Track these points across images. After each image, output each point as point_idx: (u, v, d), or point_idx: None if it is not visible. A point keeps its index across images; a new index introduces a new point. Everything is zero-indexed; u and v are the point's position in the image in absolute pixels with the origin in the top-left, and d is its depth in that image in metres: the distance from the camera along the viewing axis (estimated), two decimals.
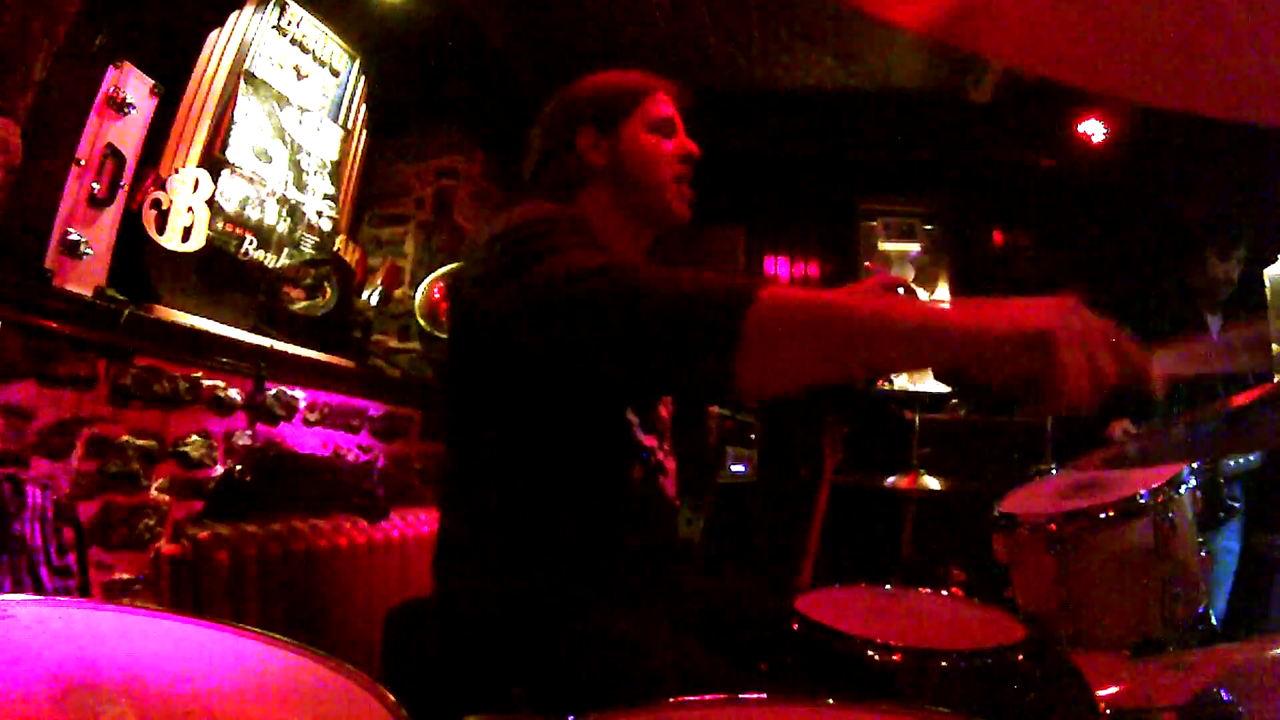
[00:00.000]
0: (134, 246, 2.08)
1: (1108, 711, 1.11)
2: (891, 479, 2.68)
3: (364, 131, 3.01)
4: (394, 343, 3.31)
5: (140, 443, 2.03)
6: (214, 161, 2.33)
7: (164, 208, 2.16)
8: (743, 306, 0.74)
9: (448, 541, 1.18)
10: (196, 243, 2.25)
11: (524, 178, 1.28)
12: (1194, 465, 1.42)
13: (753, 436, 3.79)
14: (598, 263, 0.87)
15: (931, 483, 2.60)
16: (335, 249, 2.84)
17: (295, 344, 2.55)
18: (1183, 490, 1.39)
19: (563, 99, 1.26)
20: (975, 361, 0.68)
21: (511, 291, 0.95)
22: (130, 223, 2.06)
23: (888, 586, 1.39)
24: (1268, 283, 2.44)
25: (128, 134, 2.01)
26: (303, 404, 2.61)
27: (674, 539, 1.26)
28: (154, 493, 2.07)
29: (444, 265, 3.18)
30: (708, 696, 0.65)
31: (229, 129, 2.39)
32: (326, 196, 2.82)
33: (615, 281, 0.83)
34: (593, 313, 0.84)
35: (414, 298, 3.11)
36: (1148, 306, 2.70)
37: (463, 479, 1.18)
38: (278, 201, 2.59)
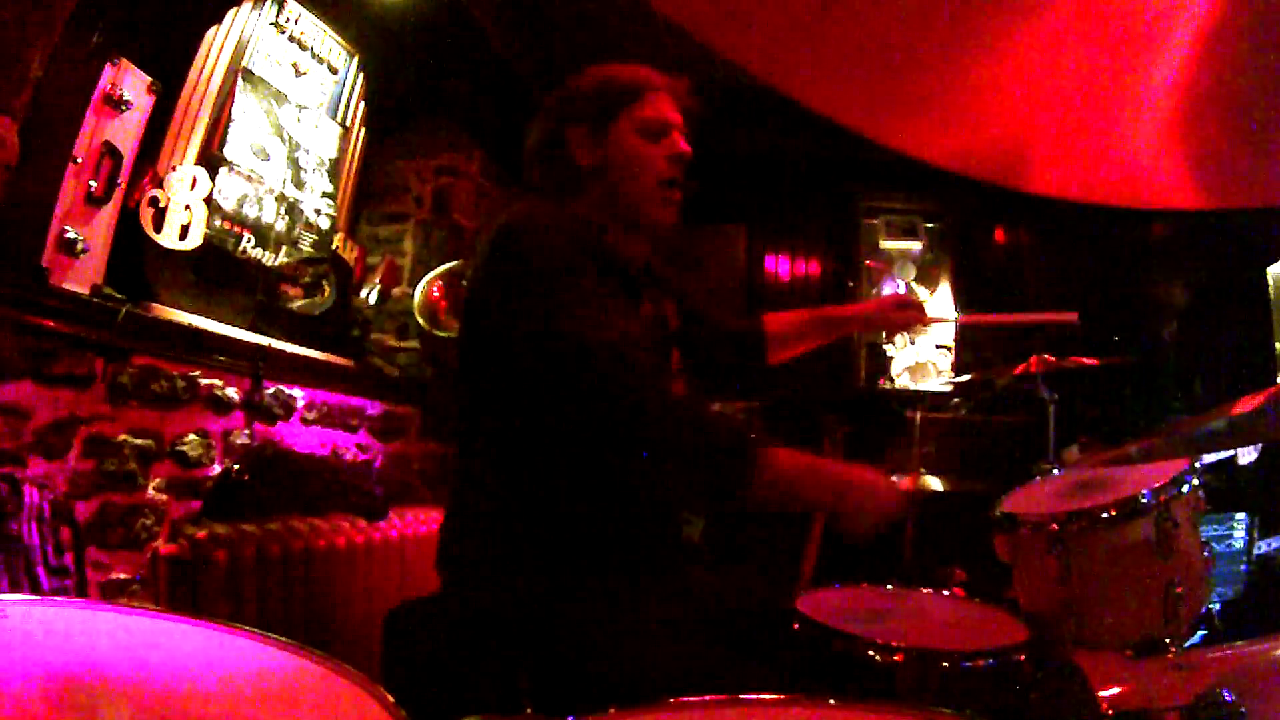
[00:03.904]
0: (131, 245, 2.07)
1: (1110, 712, 1.11)
2: (893, 479, 2.68)
3: (363, 129, 3.00)
4: (392, 341, 3.30)
5: (138, 442, 2.02)
6: (211, 159, 2.32)
7: (161, 206, 2.15)
8: (749, 473, 0.96)
9: (453, 539, 1.18)
10: (194, 241, 2.24)
11: (524, 174, 1.28)
12: (1196, 464, 1.42)
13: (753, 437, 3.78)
14: (609, 342, 0.99)
15: (933, 483, 2.59)
16: (334, 247, 2.83)
17: (293, 343, 2.55)
18: (1185, 489, 1.38)
19: (559, 94, 1.25)
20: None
21: (522, 321, 1.05)
22: (127, 221, 2.05)
23: (889, 586, 1.38)
24: (1270, 281, 2.44)
25: (125, 131, 2.00)
26: (301, 403, 2.60)
27: (678, 533, 1.26)
28: (151, 492, 2.06)
29: (443, 264, 3.17)
30: (708, 696, 0.64)
31: (227, 126, 2.38)
32: (325, 194, 2.81)
33: (636, 390, 0.98)
34: (618, 410, 0.99)
35: (413, 296, 3.10)
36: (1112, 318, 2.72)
37: (470, 475, 1.18)
38: (276, 199, 2.58)
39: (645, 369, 1.00)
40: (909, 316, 1.56)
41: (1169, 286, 3.29)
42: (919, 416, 2.84)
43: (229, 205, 2.39)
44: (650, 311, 1.24)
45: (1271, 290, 2.48)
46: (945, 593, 1.37)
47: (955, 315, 4.27)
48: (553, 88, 1.28)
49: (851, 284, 4.40)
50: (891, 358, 4.23)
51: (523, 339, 1.05)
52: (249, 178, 2.47)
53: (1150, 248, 3.55)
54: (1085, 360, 2.48)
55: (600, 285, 1.07)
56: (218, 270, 2.35)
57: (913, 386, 4.11)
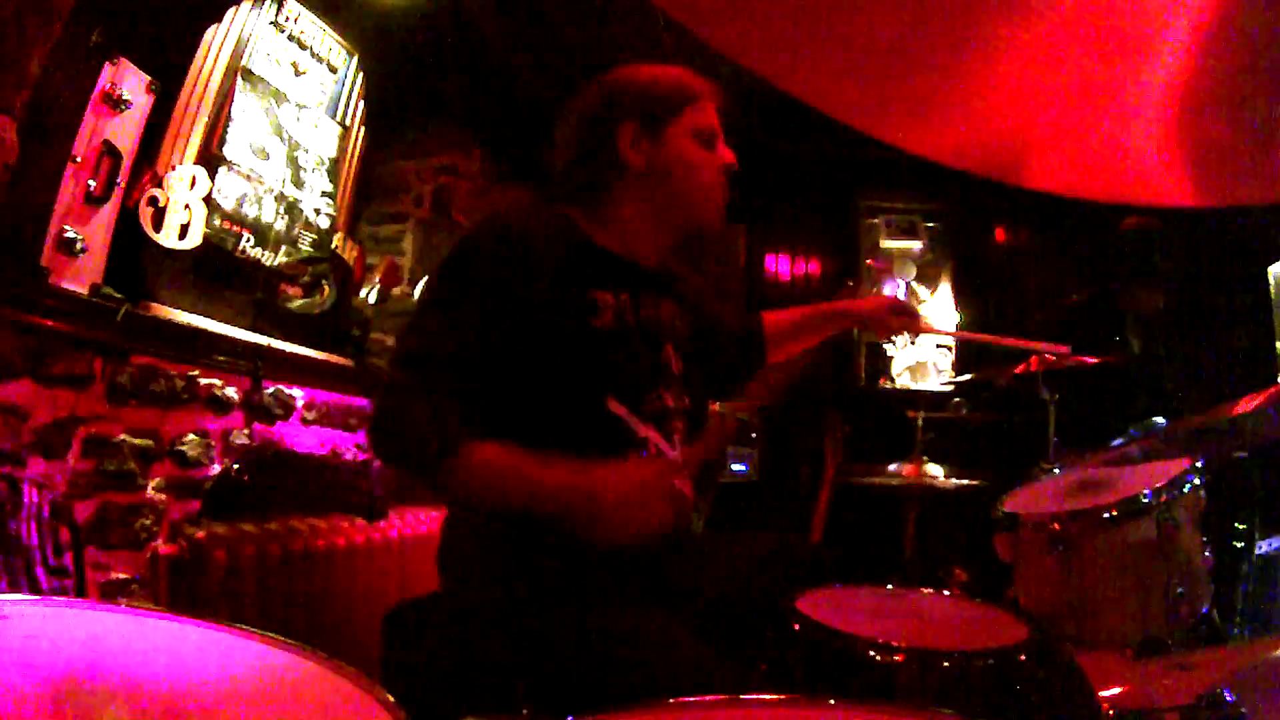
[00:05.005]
0: (130, 244, 2.07)
1: (1111, 712, 1.10)
2: (894, 465, 2.68)
3: (362, 128, 2.99)
4: (392, 341, 3.30)
5: (137, 442, 2.02)
6: (211, 158, 2.32)
7: (160, 205, 2.15)
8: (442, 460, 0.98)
9: (453, 538, 1.18)
10: (193, 240, 2.24)
11: (554, 169, 1.26)
12: (1196, 464, 1.42)
13: (754, 436, 3.79)
14: (410, 354, 1.07)
15: (934, 471, 2.59)
16: (333, 246, 2.83)
17: (293, 342, 2.55)
18: (1186, 489, 1.38)
19: (605, 90, 1.23)
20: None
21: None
22: (127, 220, 2.05)
23: (889, 586, 1.38)
24: (1271, 280, 2.44)
25: (124, 131, 2.00)
26: (300, 403, 2.60)
27: (684, 534, 1.24)
28: (151, 492, 2.06)
29: None
30: (708, 696, 0.64)
31: (226, 126, 2.38)
32: (324, 194, 2.81)
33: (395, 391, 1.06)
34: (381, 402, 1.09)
35: (412, 296, 3.10)
36: (1081, 319, 2.72)
37: None
38: (275, 199, 2.58)
39: (404, 383, 1.05)
40: (904, 324, 1.56)
41: (1171, 287, 3.29)
42: (920, 415, 2.84)
43: (228, 205, 2.39)
44: (651, 312, 1.24)
45: (1272, 290, 2.48)
46: (945, 593, 1.37)
47: (950, 329, 4.26)
48: (550, 87, 1.28)
49: (851, 284, 4.40)
50: (892, 357, 4.23)
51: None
52: (248, 177, 2.47)
53: (1151, 247, 3.55)
54: (1085, 359, 2.48)
55: (479, 308, 1.08)
56: (217, 270, 2.35)
57: (913, 386, 4.11)
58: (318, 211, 2.77)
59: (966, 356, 4.14)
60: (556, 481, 0.97)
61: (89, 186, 1.91)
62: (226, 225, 2.39)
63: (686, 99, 1.21)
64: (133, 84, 2.00)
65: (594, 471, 0.97)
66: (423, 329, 1.09)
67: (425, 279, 1.18)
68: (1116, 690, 1.14)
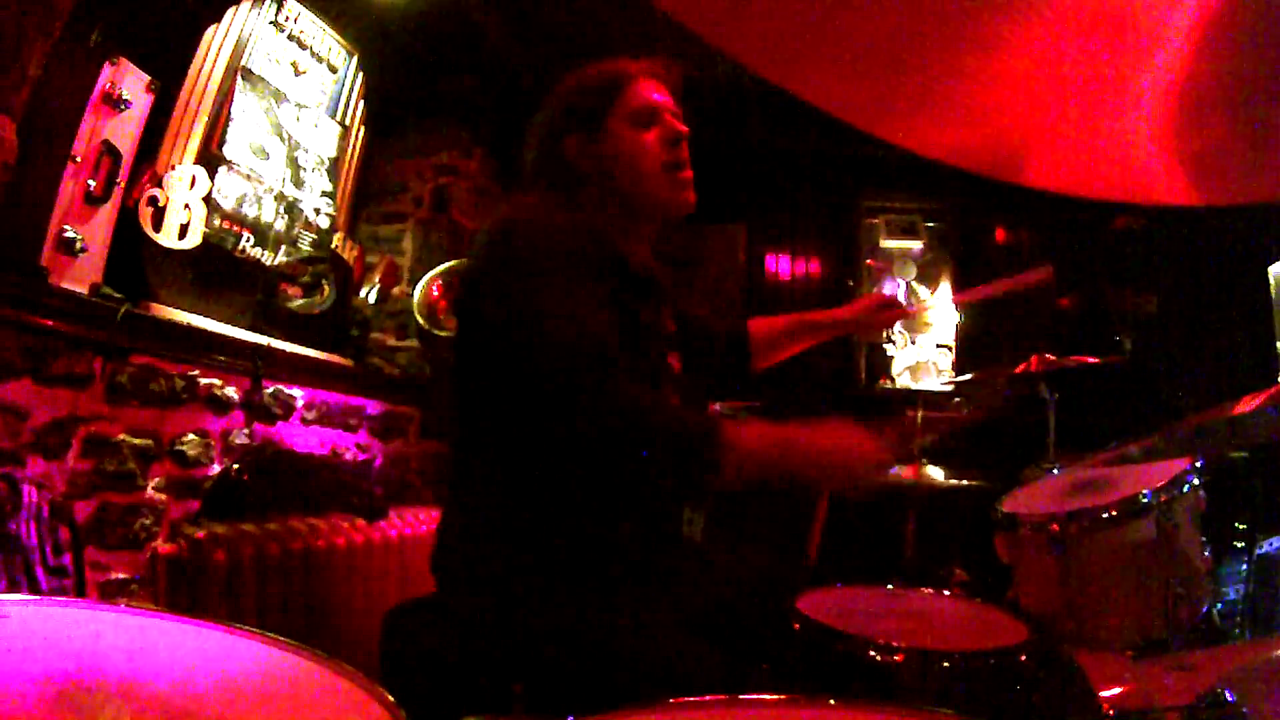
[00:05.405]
0: (130, 244, 2.07)
1: (1111, 712, 1.10)
2: (894, 469, 2.68)
3: (362, 128, 3.00)
4: (392, 341, 3.30)
5: (136, 441, 2.02)
6: (211, 158, 2.32)
7: (160, 205, 2.15)
8: (715, 458, 0.98)
9: (449, 539, 1.18)
10: (193, 240, 2.24)
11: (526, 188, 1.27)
12: (1196, 464, 1.42)
13: None
14: (585, 354, 0.98)
15: (934, 482, 2.59)
16: (333, 246, 2.83)
17: (293, 342, 2.55)
18: (1185, 489, 1.38)
19: (545, 108, 1.24)
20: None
21: (504, 319, 1.05)
22: (126, 220, 2.05)
23: (889, 586, 1.38)
24: (1272, 280, 2.45)
25: (124, 130, 2.00)
26: (300, 403, 2.60)
27: (677, 532, 1.26)
28: (150, 492, 2.06)
29: (442, 263, 3.17)
30: (708, 696, 0.64)
31: (226, 125, 2.38)
32: (324, 194, 2.81)
33: (606, 396, 0.98)
34: (594, 418, 0.99)
35: (412, 295, 3.10)
36: (1076, 321, 2.72)
37: (465, 476, 1.18)
38: (275, 199, 2.58)
39: (607, 367, 0.98)
40: (893, 315, 1.56)
41: (1165, 288, 3.29)
42: (919, 416, 2.83)
43: (228, 204, 2.39)
44: (652, 316, 1.23)
45: (1272, 290, 2.49)
46: (945, 593, 1.37)
47: (941, 315, 4.25)
48: (548, 91, 1.27)
49: (852, 284, 4.40)
50: (892, 358, 4.23)
51: (502, 336, 1.06)
52: (248, 177, 2.47)
53: (1147, 249, 3.55)
54: (1085, 359, 2.48)
55: (592, 288, 1.05)
56: (217, 269, 2.35)
57: (913, 386, 4.11)
58: (318, 211, 2.77)
59: (966, 356, 4.14)
60: (811, 446, 1.04)
61: (89, 186, 1.91)
62: (226, 225, 2.39)
63: (616, 86, 1.18)
64: (133, 84, 2.00)
65: (816, 431, 1.04)
66: (554, 323, 0.99)
67: (489, 266, 1.09)
68: (1116, 690, 1.14)
